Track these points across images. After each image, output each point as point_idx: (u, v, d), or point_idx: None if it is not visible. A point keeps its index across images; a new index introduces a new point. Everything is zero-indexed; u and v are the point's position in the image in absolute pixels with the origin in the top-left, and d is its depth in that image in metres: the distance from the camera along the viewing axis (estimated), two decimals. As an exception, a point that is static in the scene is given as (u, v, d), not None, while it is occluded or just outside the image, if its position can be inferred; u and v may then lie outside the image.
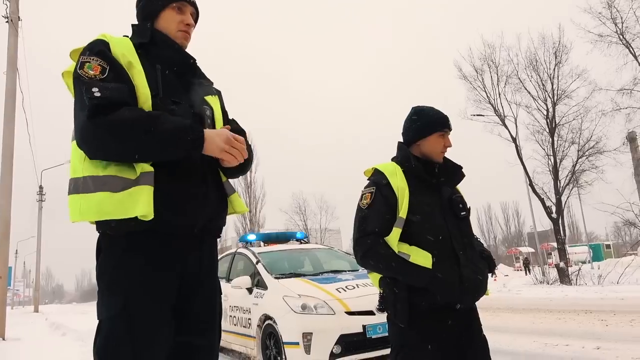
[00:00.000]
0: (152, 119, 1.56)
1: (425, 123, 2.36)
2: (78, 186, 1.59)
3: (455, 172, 2.42)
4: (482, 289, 2.29)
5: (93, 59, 1.61)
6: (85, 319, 14.16)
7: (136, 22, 1.88)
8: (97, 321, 1.62)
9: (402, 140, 2.45)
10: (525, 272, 24.49)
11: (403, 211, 2.19)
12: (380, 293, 2.30)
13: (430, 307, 2.14)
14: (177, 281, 1.66)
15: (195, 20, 1.91)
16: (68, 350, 7.66)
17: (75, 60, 1.68)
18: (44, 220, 29.90)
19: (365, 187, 2.35)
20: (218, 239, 1.92)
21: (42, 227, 29.80)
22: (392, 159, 2.43)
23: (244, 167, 1.85)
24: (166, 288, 1.63)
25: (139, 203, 1.52)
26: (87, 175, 1.58)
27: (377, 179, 2.31)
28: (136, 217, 1.52)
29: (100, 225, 1.64)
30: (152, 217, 1.53)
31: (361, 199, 2.32)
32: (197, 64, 1.88)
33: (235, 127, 1.91)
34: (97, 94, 1.53)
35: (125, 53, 1.67)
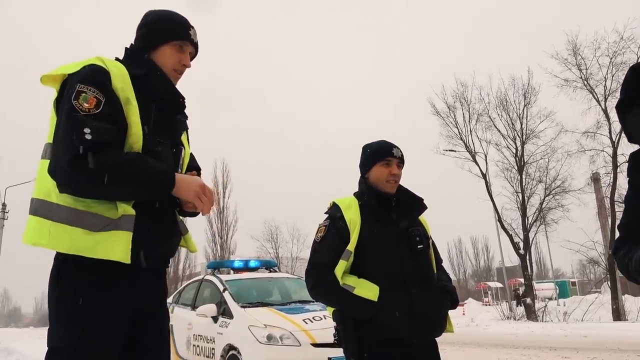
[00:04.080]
0: (132, 167, 1.56)
1: (368, 155, 2.43)
2: (50, 212, 1.55)
3: (415, 204, 2.44)
4: (437, 325, 2.27)
5: (90, 90, 1.54)
6: (41, 344, 13.47)
7: (130, 46, 1.81)
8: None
9: None
10: (517, 304, 24.13)
11: (352, 244, 2.21)
12: (334, 326, 2.30)
13: (381, 341, 2.13)
14: (132, 313, 1.66)
15: (191, 60, 1.88)
16: (20, 377, 7.28)
17: (53, 82, 1.63)
18: (5, 239, 28.72)
19: (322, 221, 2.39)
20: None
21: (2, 246, 28.60)
22: (354, 194, 2.46)
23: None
24: (125, 321, 1.63)
25: (115, 248, 1.52)
26: (62, 204, 1.53)
27: (332, 213, 2.35)
28: None
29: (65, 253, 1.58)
30: (129, 262, 1.53)
31: (317, 232, 2.35)
32: (185, 102, 1.85)
33: (192, 165, 1.97)
34: (88, 137, 1.48)
35: (125, 87, 1.63)
